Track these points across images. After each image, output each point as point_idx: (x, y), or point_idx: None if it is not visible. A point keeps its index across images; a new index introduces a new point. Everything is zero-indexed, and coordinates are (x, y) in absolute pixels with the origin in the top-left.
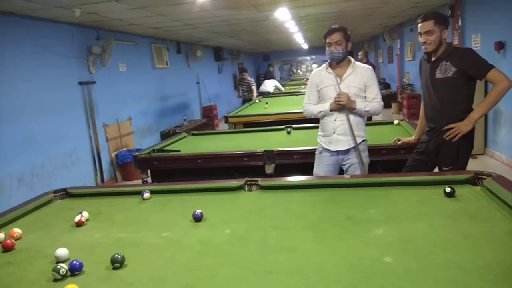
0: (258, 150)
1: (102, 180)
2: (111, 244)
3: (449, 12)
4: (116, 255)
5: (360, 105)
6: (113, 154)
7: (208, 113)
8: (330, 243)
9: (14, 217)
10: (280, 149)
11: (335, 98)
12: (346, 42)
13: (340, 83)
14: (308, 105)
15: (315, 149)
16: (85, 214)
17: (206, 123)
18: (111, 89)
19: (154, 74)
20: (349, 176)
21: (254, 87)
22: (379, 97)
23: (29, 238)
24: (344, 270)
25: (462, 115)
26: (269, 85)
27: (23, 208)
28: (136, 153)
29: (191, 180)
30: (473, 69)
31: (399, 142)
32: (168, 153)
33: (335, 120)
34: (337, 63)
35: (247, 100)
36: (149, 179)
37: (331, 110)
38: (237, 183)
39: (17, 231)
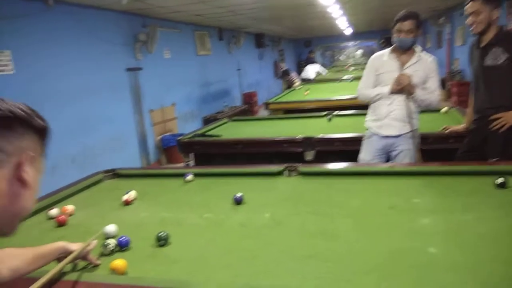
0: (298, 136)
1: (148, 163)
2: (156, 223)
3: None
4: (161, 233)
5: (419, 92)
6: (158, 138)
7: (248, 100)
8: (371, 231)
9: (68, 195)
10: (320, 135)
11: (396, 79)
12: (417, 30)
13: (402, 71)
14: (363, 89)
15: (357, 136)
16: (133, 193)
17: (246, 109)
18: (156, 75)
19: (197, 60)
20: (392, 164)
21: (296, 81)
22: (438, 91)
23: (80, 214)
24: (385, 259)
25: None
26: (311, 71)
27: (75, 187)
28: (180, 137)
29: (232, 164)
30: None
31: (446, 131)
32: (210, 138)
33: (390, 104)
34: (402, 50)
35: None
36: (191, 163)
37: (390, 93)
38: (277, 168)
39: (69, 207)
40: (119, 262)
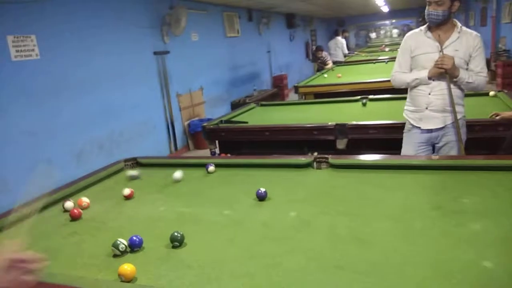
0: (330, 123)
1: (176, 148)
2: (173, 219)
3: None
4: (176, 234)
5: (463, 74)
6: (186, 123)
7: (278, 82)
8: (412, 237)
9: (87, 184)
10: (354, 122)
11: (437, 61)
12: (450, 2)
13: (441, 50)
14: (398, 73)
15: (394, 124)
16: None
17: (276, 93)
18: (184, 58)
19: (225, 42)
20: (436, 156)
21: (329, 61)
22: (484, 71)
23: (96, 208)
24: (431, 273)
25: None
26: (339, 52)
27: (94, 177)
28: (205, 124)
29: (259, 152)
30: None
31: (497, 118)
32: (235, 125)
33: (429, 94)
34: (437, 26)
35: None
36: (217, 150)
37: (429, 78)
38: (306, 159)
39: (85, 200)
40: (127, 267)
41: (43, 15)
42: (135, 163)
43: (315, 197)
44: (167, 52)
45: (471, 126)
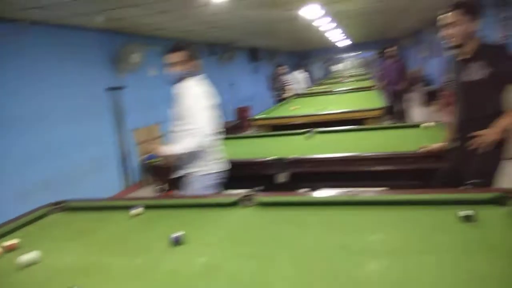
0: (268, 158)
1: (129, 185)
2: (79, 270)
3: None
4: None
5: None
6: (142, 158)
7: (242, 114)
8: (312, 281)
9: (9, 230)
10: (294, 156)
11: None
12: (187, 62)
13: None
14: None
15: (331, 158)
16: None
17: (239, 125)
18: (140, 93)
19: None
20: (354, 193)
21: (289, 87)
22: (194, 122)
23: (6, 257)
24: None
25: (490, 121)
26: (296, 86)
27: (18, 221)
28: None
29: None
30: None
31: (421, 150)
32: None
33: None
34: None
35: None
36: (166, 186)
37: None
38: (231, 199)
39: None
40: None
41: None
42: (64, 206)
43: (232, 239)
44: (121, 88)
45: (403, 158)
